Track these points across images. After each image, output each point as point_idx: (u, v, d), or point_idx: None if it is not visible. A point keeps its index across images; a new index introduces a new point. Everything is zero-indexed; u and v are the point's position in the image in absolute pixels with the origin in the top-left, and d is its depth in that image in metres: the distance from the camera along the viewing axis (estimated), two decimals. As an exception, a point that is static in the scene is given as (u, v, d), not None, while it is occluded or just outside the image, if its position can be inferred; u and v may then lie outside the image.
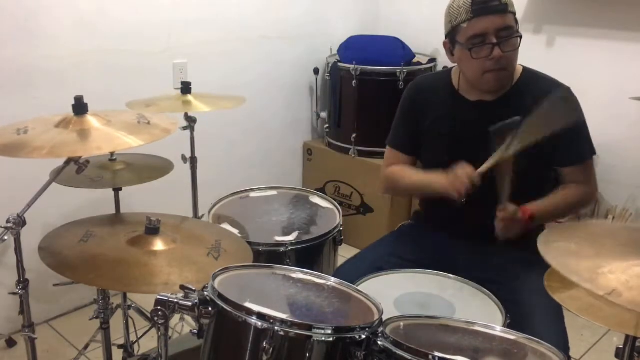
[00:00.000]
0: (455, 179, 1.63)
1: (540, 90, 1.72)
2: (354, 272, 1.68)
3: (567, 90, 1.74)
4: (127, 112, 1.66)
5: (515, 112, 1.68)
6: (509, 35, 1.64)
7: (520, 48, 1.69)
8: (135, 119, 1.58)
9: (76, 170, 1.51)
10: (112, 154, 2.01)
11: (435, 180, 1.73)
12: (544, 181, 1.81)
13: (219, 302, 1.18)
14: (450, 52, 1.75)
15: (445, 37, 1.75)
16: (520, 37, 1.66)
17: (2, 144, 1.40)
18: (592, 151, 1.78)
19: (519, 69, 1.78)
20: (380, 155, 2.03)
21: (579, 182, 1.77)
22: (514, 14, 1.67)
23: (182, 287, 1.21)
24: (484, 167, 1.62)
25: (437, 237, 1.86)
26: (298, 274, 1.39)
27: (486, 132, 1.65)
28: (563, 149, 1.73)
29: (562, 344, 1.53)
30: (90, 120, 1.50)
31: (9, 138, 1.43)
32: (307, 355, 1.15)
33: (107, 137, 1.46)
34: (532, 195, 1.73)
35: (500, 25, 1.62)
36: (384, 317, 1.25)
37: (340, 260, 2.02)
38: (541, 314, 1.57)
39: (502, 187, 1.61)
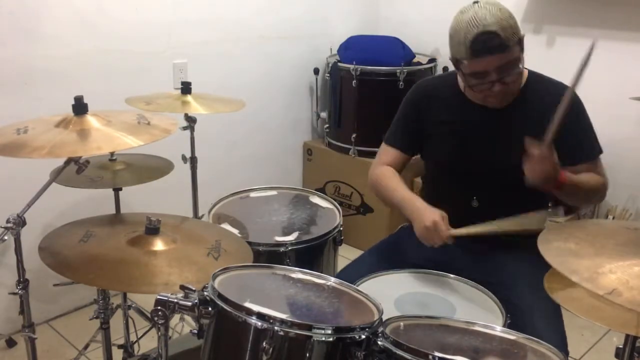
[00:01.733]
0: (431, 233, 1.63)
1: (546, 93, 1.71)
2: (355, 276, 1.68)
3: (572, 91, 1.73)
4: (127, 112, 1.66)
5: (520, 117, 1.69)
6: (510, 70, 1.61)
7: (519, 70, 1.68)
8: (135, 119, 1.58)
9: (76, 170, 1.52)
10: (112, 154, 2.01)
11: (415, 213, 1.70)
12: None
13: (219, 302, 1.18)
14: (455, 67, 1.76)
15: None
16: (520, 62, 1.63)
17: (2, 144, 1.40)
18: (599, 150, 1.78)
19: (525, 73, 1.77)
20: (381, 155, 2.03)
21: (597, 176, 1.76)
22: (517, 41, 1.61)
23: (182, 287, 1.21)
24: (461, 232, 1.62)
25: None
26: (298, 274, 1.39)
27: (489, 135, 1.65)
28: (570, 149, 1.71)
29: (561, 344, 1.53)
30: (90, 120, 1.50)
31: (9, 138, 1.43)
32: (307, 355, 1.15)
33: (107, 137, 1.46)
34: (536, 196, 1.72)
35: (501, 62, 1.59)
36: (384, 317, 1.25)
37: (340, 260, 2.02)
38: (540, 314, 1.57)
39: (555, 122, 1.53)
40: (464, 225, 1.77)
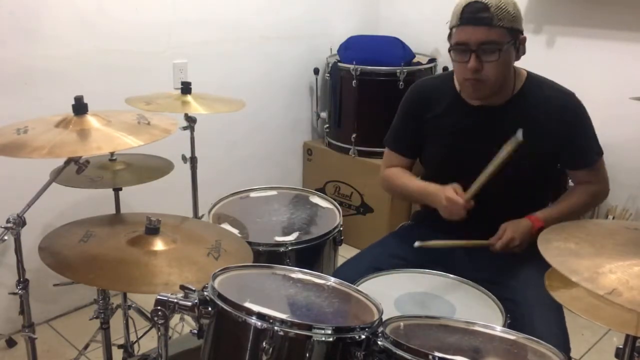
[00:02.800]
0: (452, 207, 1.68)
1: (543, 97, 1.72)
2: (354, 272, 1.68)
3: (572, 95, 1.74)
4: (127, 112, 1.66)
5: (515, 118, 1.68)
6: (490, 50, 1.62)
7: (517, 55, 1.69)
8: (135, 119, 1.58)
9: (76, 170, 1.51)
10: (112, 154, 2.01)
11: (431, 197, 1.76)
12: (548, 182, 1.82)
13: (219, 302, 1.18)
14: (448, 50, 1.76)
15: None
16: (502, 50, 1.62)
17: (2, 144, 1.40)
18: (600, 152, 1.78)
19: (523, 75, 1.76)
20: (381, 155, 2.03)
21: (589, 183, 1.80)
22: (509, 27, 1.62)
23: (182, 287, 1.21)
24: (472, 190, 1.67)
25: (437, 237, 1.86)
26: (298, 274, 1.39)
27: (485, 138, 1.66)
28: (571, 154, 1.76)
29: (563, 344, 1.53)
30: (90, 120, 1.50)
31: (9, 138, 1.43)
32: (307, 355, 1.15)
33: (107, 137, 1.46)
34: (535, 196, 1.73)
35: (482, 38, 1.60)
36: (384, 317, 1.25)
37: (341, 260, 2.02)
38: (541, 314, 1.56)
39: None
40: (463, 225, 1.77)
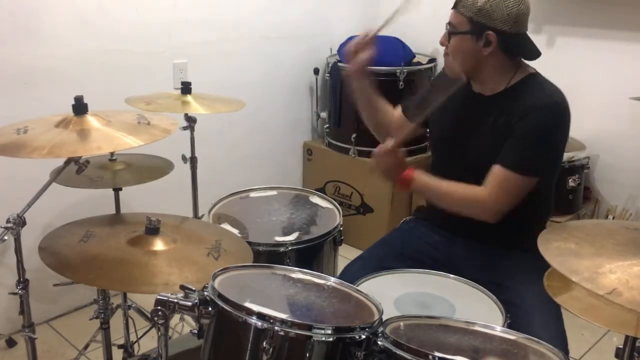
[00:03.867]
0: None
1: (530, 97, 1.67)
2: (362, 272, 1.68)
3: (553, 104, 1.65)
4: (127, 112, 1.66)
5: (502, 109, 1.68)
6: (449, 31, 1.71)
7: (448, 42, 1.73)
8: (135, 119, 1.58)
9: (76, 170, 1.51)
10: (112, 154, 2.01)
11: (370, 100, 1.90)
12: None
13: (219, 302, 1.18)
14: None
15: None
16: (455, 35, 1.70)
17: (2, 144, 1.40)
18: (523, 170, 1.62)
19: (526, 73, 1.73)
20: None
21: (487, 186, 1.65)
22: (468, 17, 1.64)
23: (182, 287, 1.21)
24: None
25: (438, 234, 1.87)
26: (298, 274, 1.39)
27: (470, 124, 1.68)
28: (504, 147, 1.66)
29: (561, 344, 1.53)
30: (90, 120, 1.50)
31: (8, 138, 1.43)
32: (307, 355, 1.15)
33: (107, 137, 1.46)
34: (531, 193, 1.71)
35: (450, 19, 1.71)
36: (384, 317, 1.25)
37: (340, 260, 2.02)
38: (540, 314, 1.57)
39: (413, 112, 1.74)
40: (464, 224, 1.77)
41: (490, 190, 1.64)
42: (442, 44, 1.75)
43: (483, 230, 1.76)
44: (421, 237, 1.89)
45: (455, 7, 1.70)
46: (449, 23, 1.71)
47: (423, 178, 1.72)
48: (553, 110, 1.64)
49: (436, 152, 1.95)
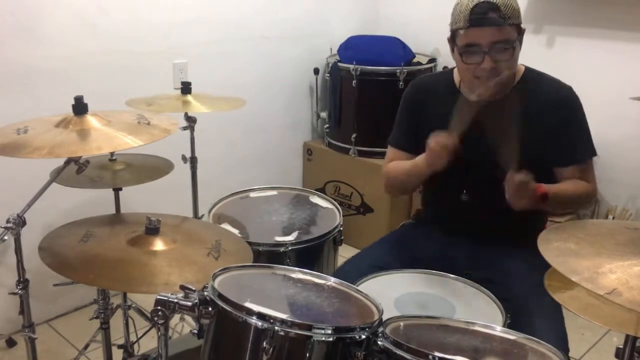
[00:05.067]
0: (431, 153, 1.63)
1: (540, 90, 1.72)
2: (355, 271, 1.68)
3: (569, 89, 1.74)
4: (127, 112, 1.66)
5: (512, 113, 1.68)
6: (504, 48, 1.62)
7: (512, 56, 1.67)
8: (135, 119, 1.58)
9: (76, 170, 1.52)
10: (112, 154, 2.01)
11: (419, 160, 1.71)
12: (549, 179, 1.80)
13: (219, 302, 1.18)
14: (452, 50, 1.75)
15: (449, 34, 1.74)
16: (515, 47, 1.63)
17: (2, 144, 1.40)
18: (593, 152, 1.76)
19: (521, 69, 1.77)
20: (380, 155, 2.04)
21: (585, 181, 1.75)
22: (517, 24, 1.63)
23: (182, 287, 1.21)
24: (456, 131, 1.61)
25: (437, 236, 1.87)
26: (298, 274, 1.39)
27: (483, 132, 1.66)
28: (562, 148, 1.72)
29: (562, 345, 1.53)
30: (90, 120, 1.50)
31: (9, 138, 1.43)
32: (307, 355, 1.15)
33: (107, 137, 1.46)
34: None
35: (495, 38, 1.60)
36: (384, 317, 1.24)
37: (340, 260, 2.02)
38: (541, 314, 1.57)
39: (509, 152, 1.56)
40: (464, 224, 1.77)
41: (591, 183, 1.76)
42: (492, 70, 1.61)
43: (483, 231, 1.76)
44: (420, 240, 1.89)
45: (501, 23, 1.58)
46: (498, 43, 1.59)
47: (551, 188, 1.66)
48: (574, 93, 1.73)
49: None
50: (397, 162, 1.89)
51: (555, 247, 1.18)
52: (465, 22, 1.60)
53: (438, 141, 1.60)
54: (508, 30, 1.61)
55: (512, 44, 1.62)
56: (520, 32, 1.66)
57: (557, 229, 1.28)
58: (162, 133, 1.51)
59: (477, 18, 1.58)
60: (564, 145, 1.72)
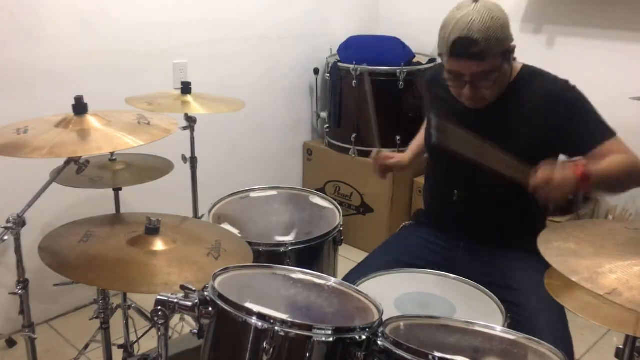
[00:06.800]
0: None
1: (535, 88, 1.70)
2: (361, 279, 1.68)
3: (565, 83, 1.71)
4: (127, 112, 1.66)
5: (506, 112, 1.68)
6: (484, 78, 1.61)
7: (520, 48, 1.67)
8: (135, 119, 1.58)
9: (76, 170, 1.51)
10: (112, 154, 2.01)
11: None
12: None
13: (219, 303, 1.18)
14: None
15: None
16: (500, 71, 1.62)
17: (2, 144, 1.40)
18: (611, 132, 1.66)
19: (518, 67, 1.75)
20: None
21: (624, 152, 1.64)
22: (500, 53, 1.60)
23: (182, 287, 1.21)
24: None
25: (438, 237, 1.87)
26: (298, 274, 1.39)
27: (477, 130, 1.65)
28: (575, 139, 1.66)
29: (566, 345, 1.52)
30: (90, 120, 1.50)
31: (9, 138, 1.43)
32: (307, 355, 1.14)
33: (107, 137, 1.46)
34: (515, 193, 1.69)
35: (475, 70, 1.59)
36: (384, 317, 1.25)
37: (340, 260, 2.02)
38: (544, 315, 1.56)
39: (510, 172, 1.53)
40: (464, 225, 1.77)
41: (628, 154, 1.63)
42: (472, 97, 1.64)
43: (484, 232, 1.76)
44: (421, 242, 1.89)
45: (482, 58, 1.57)
46: (479, 74, 1.60)
47: (591, 168, 1.51)
48: (570, 85, 1.70)
49: (429, 165, 1.98)
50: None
51: (555, 247, 1.18)
52: (447, 52, 1.60)
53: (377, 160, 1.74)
54: (490, 62, 1.59)
55: (493, 74, 1.61)
56: (508, 54, 1.63)
57: (557, 228, 1.28)
58: (162, 133, 1.51)
59: (458, 51, 1.58)
60: (576, 137, 1.66)
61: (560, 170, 1.47)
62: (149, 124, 1.56)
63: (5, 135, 1.44)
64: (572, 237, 1.21)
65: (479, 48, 1.55)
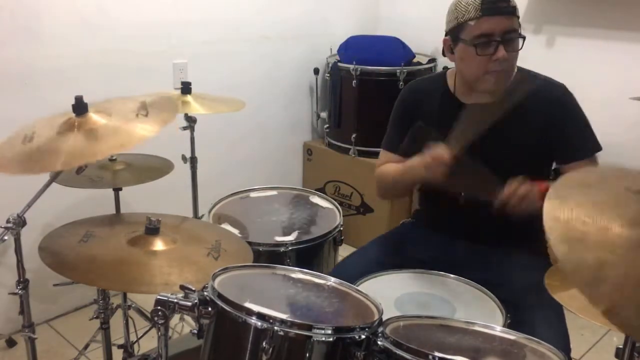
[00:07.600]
0: (431, 164, 1.60)
1: (532, 90, 1.69)
2: (354, 268, 1.68)
3: (562, 87, 1.73)
4: (123, 102, 1.60)
5: (504, 114, 1.68)
6: (513, 38, 1.64)
7: (520, 48, 1.68)
8: (134, 111, 1.54)
9: (76, 171, 1.51)
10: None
11: (414, 165, 1.69)
12: (542, 178, 1.80)
13: (219, 302, 1.17)
14: (450, 50, 1.74)
15: (446, 35, 1.73)
16: (524, 38, 1.65)
17: (16, 161, 1.38)
18: (597, 147, 1.72)
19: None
20: (380, 155, 2.03)
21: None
22: (519, 17, 1.67)
23: (182, 287, 1.21)
24: (454, 147, 1.58)
25: (437, 236, 1.86)
26: (298, 274, 1.39)
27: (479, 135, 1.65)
28: (563, 146, 1.71)
29: (564, 345, 1.52)
30: (93, 117, 1.48)
31: (17, 150, 1.40)
32: (307, 355, 1.14)
33: (115, 132, 1.42)
34: None
35: (507, 27, 1.62)
36: (384, 317, 1.24)
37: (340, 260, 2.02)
38: (542, 315, 1.56)
39: (479, 185, 1.57)
40: (463, 224, 1.77)
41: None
42: (504, 60, 1.62)
43: (483, 231, 1.76)
44: (420, 239, 1.89)
45: (512, 12, 1.62)
46: (508, 32, 1.62)
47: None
48: (567, 91, 1.73)
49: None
50: (387, 165, 1.87)
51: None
52: (477, 12, 1.61)
53: (435, 156, 1.59)
54: (516, 21, 1.64)
55: (518, 39, 1.65)
56: (520, 26, 1.68)
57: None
58: (170, 116, 1.48)
59: (488, 7, 1.61)
60: (565, 143, 1.71)
61: (526, 186, 1.52)
62: (146, 115, 1.52)
63: (13, 149, 1.41)
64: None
65: (508, 3, 1.62)
